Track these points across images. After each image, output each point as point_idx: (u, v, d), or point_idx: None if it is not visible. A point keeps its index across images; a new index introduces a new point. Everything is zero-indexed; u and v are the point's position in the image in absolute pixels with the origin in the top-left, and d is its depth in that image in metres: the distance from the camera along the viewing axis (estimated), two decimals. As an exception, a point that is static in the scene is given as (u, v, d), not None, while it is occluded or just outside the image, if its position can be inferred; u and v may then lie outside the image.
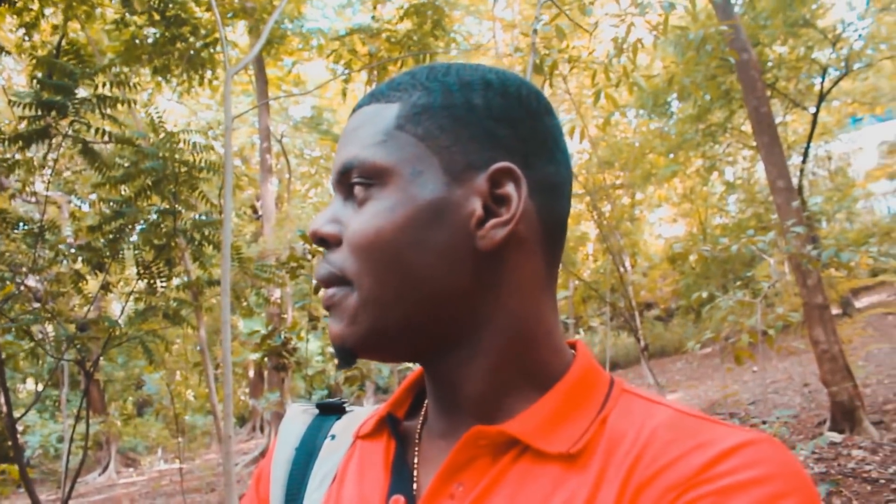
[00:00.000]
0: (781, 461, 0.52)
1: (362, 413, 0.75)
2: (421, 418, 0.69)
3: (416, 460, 0.65)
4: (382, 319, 0.60)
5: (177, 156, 5.72)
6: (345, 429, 0.73)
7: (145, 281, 6.21)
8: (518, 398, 0.62)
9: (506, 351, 0.62)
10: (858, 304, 17.01)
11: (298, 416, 0.77)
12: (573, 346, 0.68)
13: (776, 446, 0.54)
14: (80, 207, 10.72)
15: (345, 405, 0.78)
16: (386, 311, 0.60)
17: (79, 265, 6.04)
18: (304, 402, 0.80)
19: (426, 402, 0.70)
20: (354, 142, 0.63)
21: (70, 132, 5.63)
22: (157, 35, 7.19)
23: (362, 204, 0.61)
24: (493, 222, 0.60)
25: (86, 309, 7.20)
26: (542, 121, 0.65)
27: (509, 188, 0.60)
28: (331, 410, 0.77)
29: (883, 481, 4.48)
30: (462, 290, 0.60)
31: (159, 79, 7.95)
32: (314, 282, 6.88)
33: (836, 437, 6.08)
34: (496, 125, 0.62)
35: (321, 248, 0.65)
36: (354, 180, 0.62)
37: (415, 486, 0.63)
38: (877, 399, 8.12)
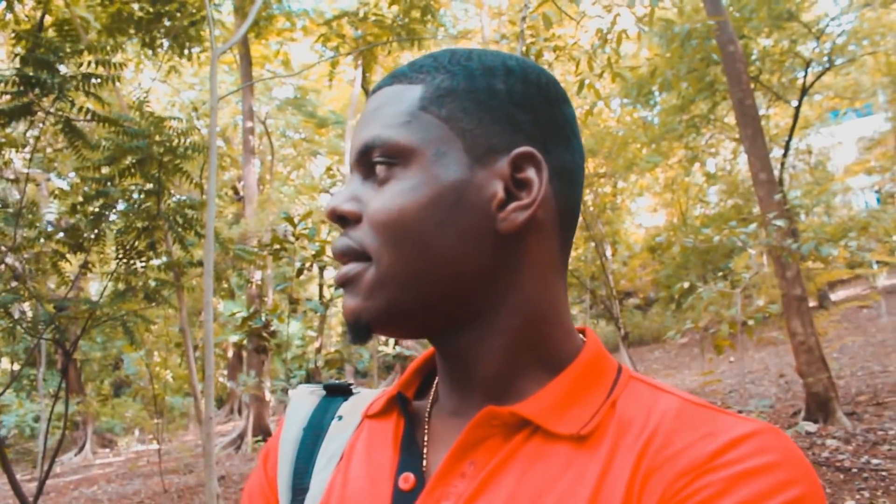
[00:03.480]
0: (787, 450, 0.54)
1: (368, 395, 0.76)
2: (430, 398, 0.70)
3: (425, 439, 0.66)
4: (400, 295, 0.61)
5: (161, 138, 5.66)
6: (352, 410, 0.74)
7: (125, 261, 6.17)
8: (529, 379, 0.63)
9: (520, 331, 0.63)
10: (834, 296, 17.26)
11: (306, 397, 0.77)
12: (582, 332, 0.70)
13: (780, 436, 0.55)
14: (58, 186, 10.59)
15: (351, 387, 0.78)
16: (404, 287, 0.61)
17: (58, 245, 5.98)
18: (311, 384, 0.80)
19: (436, 382, 0.71)
20: (377, 121, 0.64)
21: (53, 110, 5.56)
22: (144, 11, 7.09)
23: (384, 183, 0.62)
24: (514, 205, 0.61)
25: (65, 289, 7.14)
26: (560, 108, 0.66)
27: (530, 173, 0.62)
28: (337, 392, 0.78)
29: (855, 470, 4.56)
30: (481, 270, 0.61)
31: (145, 52, 7.85)
32: (297, 265, 6.87)
33: (811, 426, 6.18)
34: (517, 110, 0.63)
35: (339, 226, 0.65)
36: (376, 159, 0.62)
37: (424, 463, 0.64)
38: (850, 390, 8.26)
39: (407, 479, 0.62)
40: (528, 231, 0.62)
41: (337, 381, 0.78)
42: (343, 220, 0.64)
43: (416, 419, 0.68)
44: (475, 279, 0.61)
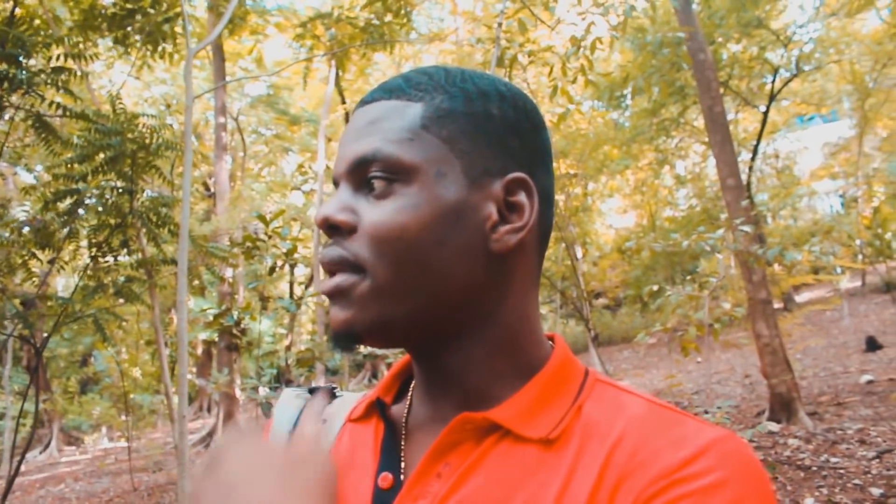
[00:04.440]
0: (742, 463, 0.58)
1: (351, 398, 0.79)
2: (408, 403, 0.72)
3: (402, 443, 0.69)
4: (394, 309, 0.63)
5: (134, 135, 5.63)
6: (335, 413, 0.77)
7: (96, 258, 6.13)
8: (503, 386, 0.66)
9: (499, 343, 0.66)
10: (799, 298, 17.57)
11: (292, 399, 0.80)
12: (551, 338, 0.73)
13: (740, 446, 0.59)
14: (26, 181, 10.44)
15: (335, 390, 0.81)
16: (398, 301, 0.63)
17: (29, 244, 5.92)
18: (297, 388, 0.83)
19: (412, 387, 0.73)
20: (375, 134, 0.64)
21: (23, 105, 5.50)
22: (117, 7, 7.02)
23: (382, 197, 0.63)
24: (507, 228, 0.64)
25: (32, 284, 7.07)
26: (542, 134, 0.69)
27: (521, 197, 0.65)
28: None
29: (815, 468, 4.70)
30: (473, 286, 0.64)
31: (118, 49, 7.77)
32: (267, 262, 6.87)
33: (774, 426, 6.33)
34: (509, 136, 0.66)
35: (329, 235, 0.67)
36: (374, 173, 0.63)
37: (402, 465, 0.67)
38: (812, 391, 8.45)
39: (385, 479, 0.65)
40: (516, 251, 0.65)
41: (322, 385, 0.81)
42: (335, 229, 0.65)
43: (394, 423, 0.71)
44: (467, 295, 0.64)
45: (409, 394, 0.73)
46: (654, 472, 0.57)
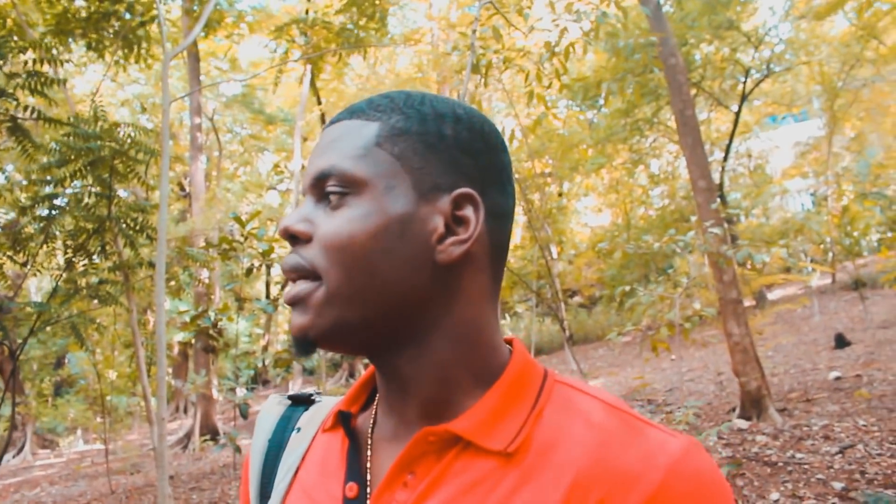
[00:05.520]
0: (705, 475, 0.62)
1: (329, 403, 0.82)
2: (373, 412, 0.76)
3: (368, 453, 0.72)
4: (346, 314, 0.67)
5: (112, 142, 5.63)
6: (310, 420, 0.80)
7: (72, 261, 6.12)
8: (462, 395, 0.69)
9: (451, 352, 0.69)
10: (771, 296, 17.82)
11: (273, 407, 0.84)
12: (510, 342, 0.76)
13: (702, 460, 0.64)
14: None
15: (313, 397, 0.85)
16: (349, 306, 0.66)
17: (3, 248, 5.90)
18: (279, 394, 0.87)
19: (377, 398, 0.76)
20: (334, 151, 0.69)
21: (-3, 109, 5.49)
22: (91, 10, 6.99)
23: (336, 209, 0.67)
24: (452, 240, 0.67)
25: (5, 286, 7.03)
26: (499, 155, 0.73)
27: (468, 211, 0.68)
28: (300, 402, 0.84)
29: (781, 464, 4.83)
30: (418, 295, 0.67)
31: (90, 55, 7.74)
32: (243, 264, 6.90)
33: (744, 423, 6.47)
34: (461, 155, 0.69)
35: (290, 244, 0.70)
36: (330, 187, 0.68)
37: (368, 476, 0.70)
38: (783, 388, 8.62)
39: (351, 489, 0.69)
40: (464, 263, 0.68)
41: (301, 392, 0.85)
42: (294, 238, 0.69)
43: (359, 435, 0.74)
44: (414, 303, 0.67)
45: (374, 404, 0.77)
46: (617, 487, 0.61)
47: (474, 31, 4.82)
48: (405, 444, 0.68)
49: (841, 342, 10.99)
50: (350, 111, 0.73)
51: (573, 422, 0.66)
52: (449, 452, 0.67)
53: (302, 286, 0.68)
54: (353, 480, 0.70)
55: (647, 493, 0.60)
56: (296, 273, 0.68)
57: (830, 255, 17.58)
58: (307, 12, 9.67)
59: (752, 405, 6.95)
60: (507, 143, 0.76)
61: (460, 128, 0.70)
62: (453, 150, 0.69)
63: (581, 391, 0.71)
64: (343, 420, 0.74)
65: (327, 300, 0.67)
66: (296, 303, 0.68)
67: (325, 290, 0.67)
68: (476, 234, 0.68)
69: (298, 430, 0.80)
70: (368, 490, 0.69)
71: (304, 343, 0.68)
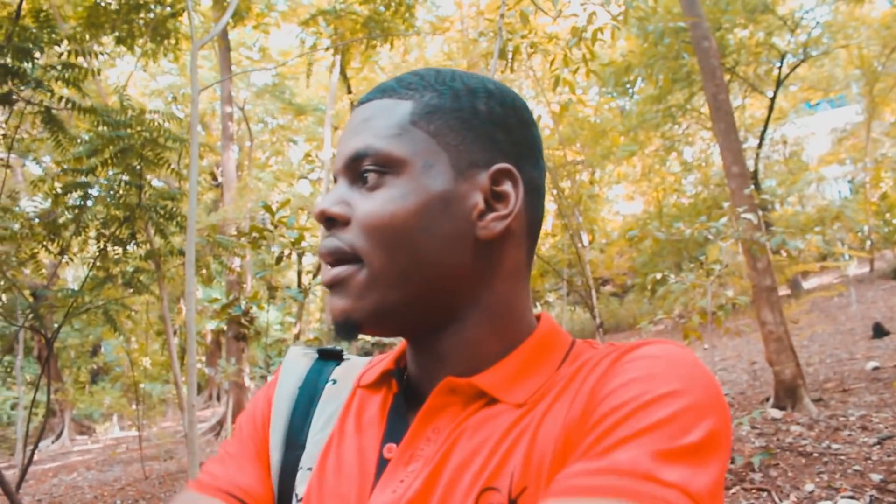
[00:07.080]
0: (673, 350, 0.62)
1: (359, 362, 0.81)
2: (406, 378, 0.75)
3: (408, 416, 0.71)
4: (389, 295, 0.66)
5: (142, 129, 5.67)
6: (345, 375, 0.79)
7: (105, 249, 6.20)
8: (491, 361, 0.69)
9: (489, 327, 0.69)
10: (806, 284, 17.54)
11: (300, 357, 0.83)
12: (538, 316, 0.75)
13: (671, 343, 0.63)
14: (34, 173, 10.51)
15: (342, 353, 0.84)
16: (392, 288, 0.66)
17: (38, 237, 5.99)
18: (303, 347, 0.85)
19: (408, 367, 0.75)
20: (368, 131, 0.68)
21: (33, 99, 5.55)
22: (122, 2, 7.04)
23: (374, 189, 0.67)
24: (493, 216, 0.67)
25: (41, 276, 7.15)
26: (531, 130, 0.73)
27: (507, 187, 0.68)
28: (330, 356, 0.83)
29: (816, 455, 4.73)
30: (460, 273, 0.67)
31: (123, 47, 7.80)
32: (274, 252, 6.93)
33: (777, 413, 6.36)
34: (496, 130, 0.69)
35: (326, 227, 0.69)
36: (367, 167, 0.67)
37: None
38: (818, 377, 8.47)
39: (391, 450, 0.68)
40: (503, 239, 0.68)
41: (329, 347, 0.84)
42: (331, 221, 0.69)
43: (397, 397, 0.73)
44: (456, 281, 0.67)
45: (405, 374, 0.76)
46: (593, 382, 0.62)
47: (502, 16, 4.77)
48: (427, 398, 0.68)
49: (879, 331, 10.78)
50: (381, 90, 0.71)
51: (581, 369, 0.66)
52: (472, 406, 0.67)
53: (341, 269, 0.67)
54: (391, 441, 0.69)
55: (600, 371, 0.62)
56: (334, 256, 0.68)
57: (868, 243, 17.23)
58: (334, 5, 9.66)
59: (787, 395, 6.83)
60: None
61: (493, 103, 0.70)
62: (488, 126, 0.69)
63: (596, 346, 0.71)
64: (397, 376, 0.73)
65: (370, 282, 0.66)
66: (335, 285, 0.68)
67: (367, 272, 0.66)
68: (517, 208, 0.68)
69: (334, 381, 0.79)
70: None
71: (347, 327, 0.67)
